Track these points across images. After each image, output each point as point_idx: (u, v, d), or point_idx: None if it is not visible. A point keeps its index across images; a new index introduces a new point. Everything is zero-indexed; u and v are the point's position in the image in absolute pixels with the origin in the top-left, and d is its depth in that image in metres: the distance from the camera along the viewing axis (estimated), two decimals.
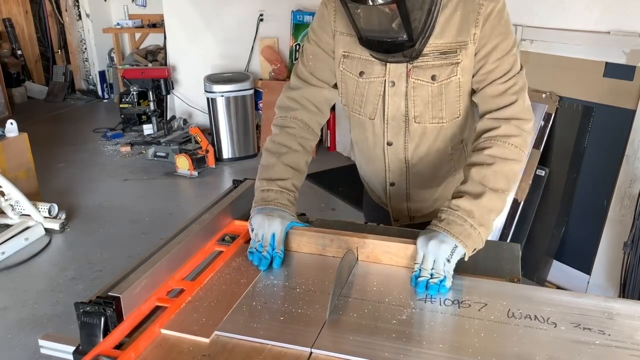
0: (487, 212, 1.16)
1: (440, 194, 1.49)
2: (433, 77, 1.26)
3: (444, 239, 1.12)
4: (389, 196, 1.50)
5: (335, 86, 1.41)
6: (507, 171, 1.20)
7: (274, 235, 1.21)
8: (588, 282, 2.62)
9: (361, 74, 1.32)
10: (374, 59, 1.29)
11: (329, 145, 4.82)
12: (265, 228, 1.22)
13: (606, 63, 2.56)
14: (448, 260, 1.12)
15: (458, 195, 1.19)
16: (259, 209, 1.26)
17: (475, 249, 1.16)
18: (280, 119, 1.41)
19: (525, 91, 1.27)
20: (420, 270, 1.13)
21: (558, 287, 2.73)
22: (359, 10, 1.15)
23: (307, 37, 1.42)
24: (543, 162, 2.81)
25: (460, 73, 1.25)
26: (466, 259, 1.15)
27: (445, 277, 1.11)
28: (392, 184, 1.47)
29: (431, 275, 1.11)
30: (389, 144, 1.38)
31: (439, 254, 1.11)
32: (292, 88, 1.43)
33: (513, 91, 1.24)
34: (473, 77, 1.28)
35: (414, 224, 1.53)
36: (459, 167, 1.45)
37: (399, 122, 1.33)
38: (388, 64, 1.28)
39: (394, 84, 1.29)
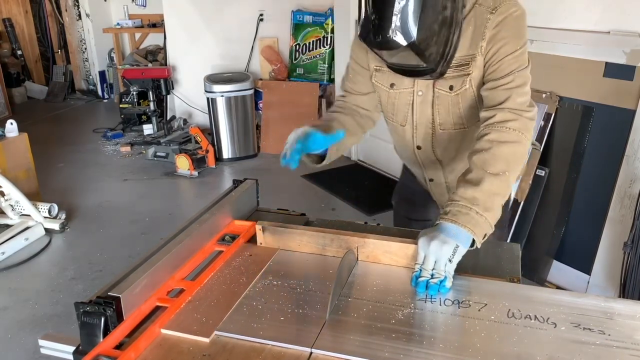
0: (491, 196, 1.18)
1: None
2: (451, 88, 1.36)
3: (446, 240, 1.13)
4: (431, 190, 1.63)
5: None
6: (507, 153, 1.22)
7: (298, 142, 1.30)
8: (588, 282, 2.62)
9: (392, 85, 1.43)
10: None
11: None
12: (291, 135, 1.33)
13: (606, 63, 2.56)
14: (450, 261, 1.12)
15: (460, 185, 1.21)
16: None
17: (485, 235, 1.17)
18: (331, 108, 1.57)
19: (524, 87, 1.30)
20: (420, 270, 1.13)
21: (558, 287, 2.73)
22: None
23: (350, 56, 1.55)
24: (543, 162, 2.81)
25: (470, 83, 1.34)
26: (478, 245, 1.16)
27: (445, 277, 1.11)
28: (430, 180, 1.60)
29: (432, 275, 1.12)
30: (419, 147, 1.50)
31: (440, 255, 1.12)
32: (339, 96, 1.58)
33: (508, 87, 1.28)
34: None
35: None
36: None
37: (426, 129, 1.45)
38: None
39: (421, 93, 1.40)
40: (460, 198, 1.18)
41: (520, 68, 1.30)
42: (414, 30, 1.15)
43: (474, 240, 1.15)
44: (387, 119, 1.54)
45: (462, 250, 1.13)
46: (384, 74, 1.43)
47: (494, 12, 1.29)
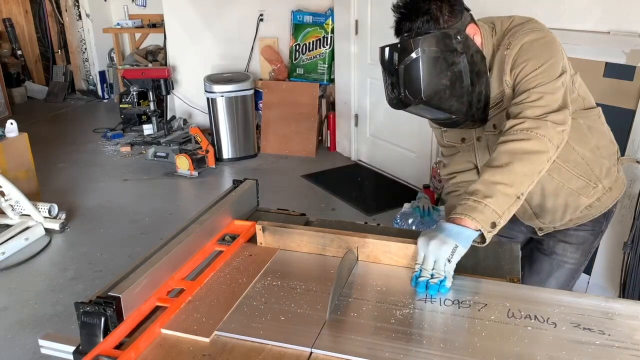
0: (490, 185, 1.19)
1: (564, 201, 1.52)
2: (494, 127, 1.43)
3: (445, 240, 1.13)
4: (520, 217, 1.60)
5: None
6: (511, 148, 1.23)
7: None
8: (588, 282, 2.62)
9: (463, 140, 1.53)
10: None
11: (329, 145, 4.83)
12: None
13: (606, 63, 2.56)
14: (449, 261, 1.12)
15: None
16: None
17: (493, 223, 1.16)
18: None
19: (542, 99, 1.27)
20: (420, 270, 1.13)
21: None
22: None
23: None
24: None
25: (506, 119, 1.36)
26: (487, 238, 1.16)
27: (445, 277, 1.11)
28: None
29: (431, 275, 1.12)
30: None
31: (439, 255, 1.12)
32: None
33: (518, 102, 1.29)
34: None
35: (559, 230, 1.62)
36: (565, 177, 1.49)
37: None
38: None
39: (479, 139, 1.49)
40: (465, 197, 1.21)
41: (544, 82, 1.28)
42: (419, 89, 1.25)
43: (483, 236, 1.16)
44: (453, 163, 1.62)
45: (462, 250, 1.13)
46: (452, 132, 1.53)
47: (508, 47, 1.35)
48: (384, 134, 4.29)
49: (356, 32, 4.35)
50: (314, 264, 1.25)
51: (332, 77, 4.75)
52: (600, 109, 1.55)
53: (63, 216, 3.56)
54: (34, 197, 3.60)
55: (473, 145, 1.53)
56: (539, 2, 2.74)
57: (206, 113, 4.80)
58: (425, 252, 1.14)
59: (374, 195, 4.04)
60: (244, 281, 1.16)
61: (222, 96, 4.57)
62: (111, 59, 6.75)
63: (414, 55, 1.23)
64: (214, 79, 4.68)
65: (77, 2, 6.64)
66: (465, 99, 1.31)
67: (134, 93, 5.28)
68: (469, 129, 1.48)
